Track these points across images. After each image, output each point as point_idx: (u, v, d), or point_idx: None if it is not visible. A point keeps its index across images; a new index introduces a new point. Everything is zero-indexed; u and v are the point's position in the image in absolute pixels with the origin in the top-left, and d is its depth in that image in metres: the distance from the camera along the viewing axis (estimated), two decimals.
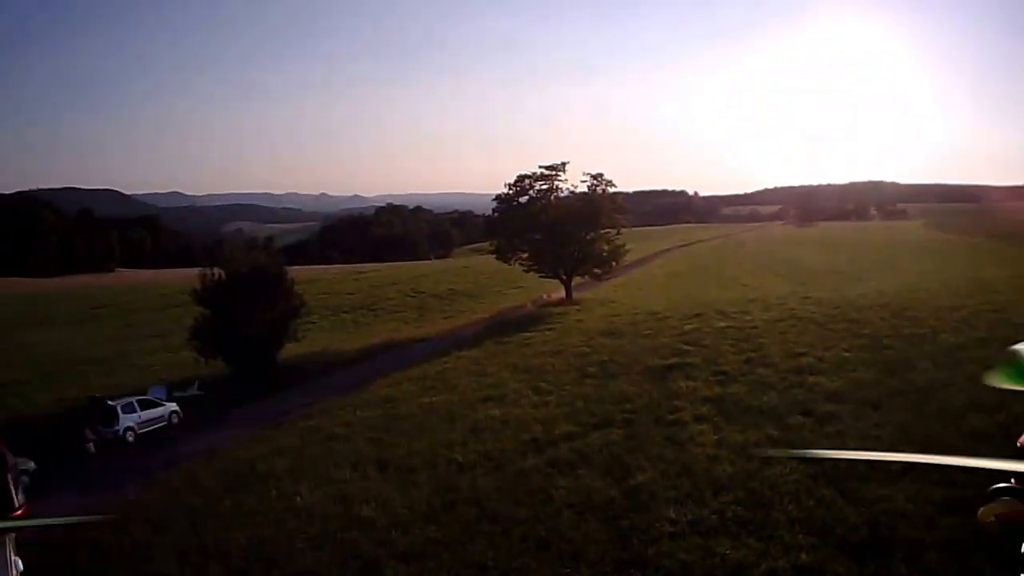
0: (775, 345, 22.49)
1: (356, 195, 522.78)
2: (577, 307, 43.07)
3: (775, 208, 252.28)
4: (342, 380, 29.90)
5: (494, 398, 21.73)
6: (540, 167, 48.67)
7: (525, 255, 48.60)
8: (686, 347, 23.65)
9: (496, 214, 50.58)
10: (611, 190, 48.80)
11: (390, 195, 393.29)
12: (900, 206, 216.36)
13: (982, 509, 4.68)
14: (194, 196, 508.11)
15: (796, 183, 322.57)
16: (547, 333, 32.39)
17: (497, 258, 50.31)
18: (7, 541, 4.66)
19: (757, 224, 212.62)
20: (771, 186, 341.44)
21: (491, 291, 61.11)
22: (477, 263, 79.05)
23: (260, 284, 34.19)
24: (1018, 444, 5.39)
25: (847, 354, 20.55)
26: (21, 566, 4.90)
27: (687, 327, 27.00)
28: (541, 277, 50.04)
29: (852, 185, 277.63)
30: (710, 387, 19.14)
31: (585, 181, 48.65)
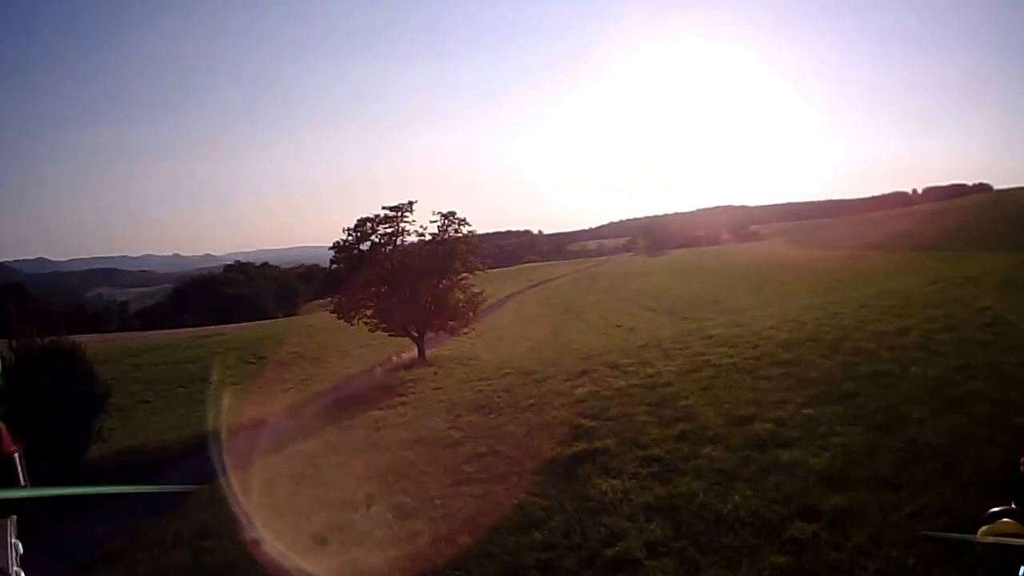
0: (707, 407, 16.46)
1: (207, 254, 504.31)
2: (433, 369, 36.26)
3: (622, 240, 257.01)
4: (153, 494, 22.48)
5: (337, 527, 14.49)
6: (384, 208, 42.24)
7: (369, 311, 41.76)
8: (588, 422, 17.05)
9: (335, 265, 43.65)
10: (465, 229, 42.93)
11: (240, 252, 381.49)
12: (753, 228, 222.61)
13: (980, 531, 3.55)
14: (58, 261, 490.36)
15: (641, 215, 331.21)
16: (401, 409, 25.40)
17: (339, 317, 43.12)
18: (8, 524, 3.74)
19: (606, 257, 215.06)
20: (615, 219, 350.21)
21: (336, 352, 53.69)
22: (323, 320, 71.25)
23: (52, 369, 25.51)
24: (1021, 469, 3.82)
25: (808, 411, 14.62)
26: (21, 549, 3.74)
27: (579, 391, 20.55)
28: (390, 336, 43.26)
29: (699, 211, 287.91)
30: (647, 487, 12.41)
31: (435, 221, 42.67)
